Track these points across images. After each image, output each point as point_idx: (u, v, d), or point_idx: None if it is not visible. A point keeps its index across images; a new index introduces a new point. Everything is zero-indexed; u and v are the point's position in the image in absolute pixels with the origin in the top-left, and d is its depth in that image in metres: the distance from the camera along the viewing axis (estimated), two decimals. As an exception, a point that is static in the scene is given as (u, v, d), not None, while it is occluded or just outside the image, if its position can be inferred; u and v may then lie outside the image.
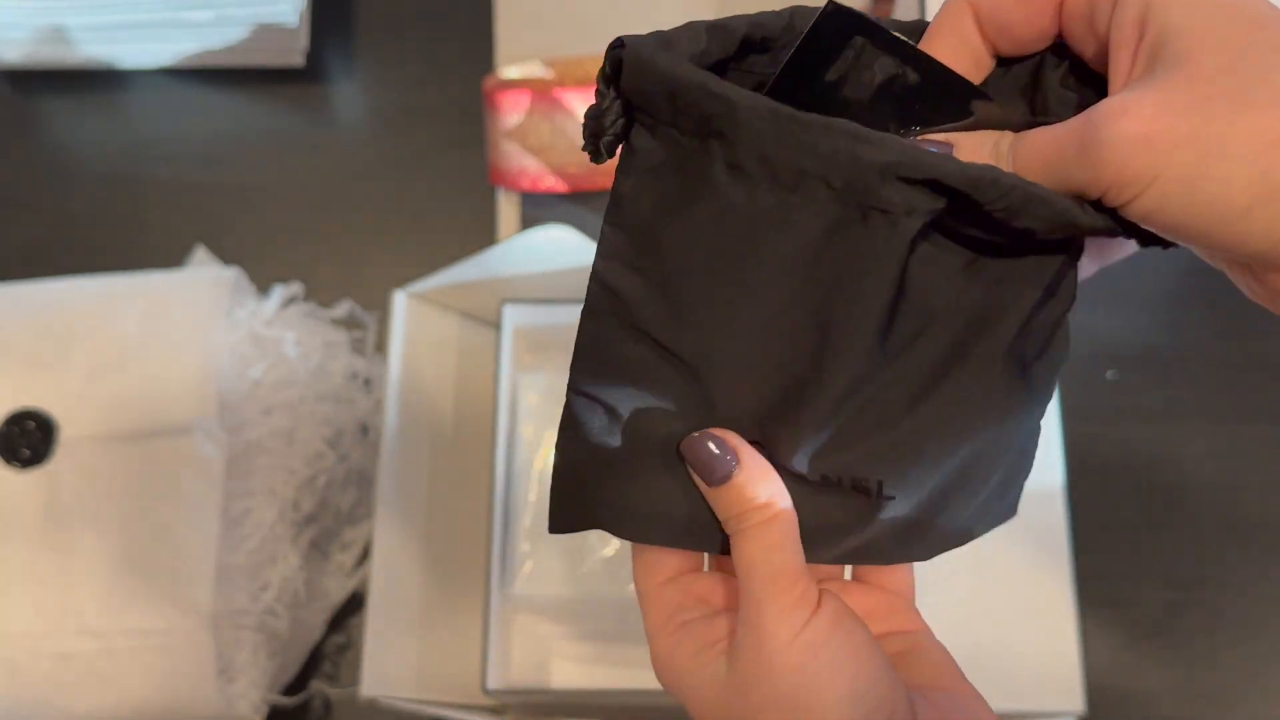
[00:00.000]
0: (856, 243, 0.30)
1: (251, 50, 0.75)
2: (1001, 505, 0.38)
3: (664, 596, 0.36)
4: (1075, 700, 0.61)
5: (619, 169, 0.32)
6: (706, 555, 0.38)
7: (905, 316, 0.32)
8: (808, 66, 0.32)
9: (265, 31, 0.73)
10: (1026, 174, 0.30)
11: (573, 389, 0.34)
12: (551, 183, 0.72)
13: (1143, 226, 0.30)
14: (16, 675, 0.59)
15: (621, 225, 0.32)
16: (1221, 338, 0.72)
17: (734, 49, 0.33)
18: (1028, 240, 0.31)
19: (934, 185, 0.29)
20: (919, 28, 0.34)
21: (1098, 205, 0.30)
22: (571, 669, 0.63)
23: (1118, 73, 0.30)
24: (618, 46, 0.31)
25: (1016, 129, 0.32)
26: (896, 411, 0.34)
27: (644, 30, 0.33)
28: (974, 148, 0.32)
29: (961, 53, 0.33)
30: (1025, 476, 0.38)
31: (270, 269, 0.72)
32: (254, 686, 0.61)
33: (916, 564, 0.38)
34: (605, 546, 0.61)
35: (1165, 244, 0.31)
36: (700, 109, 0.30)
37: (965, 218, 0.30)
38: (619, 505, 0.34)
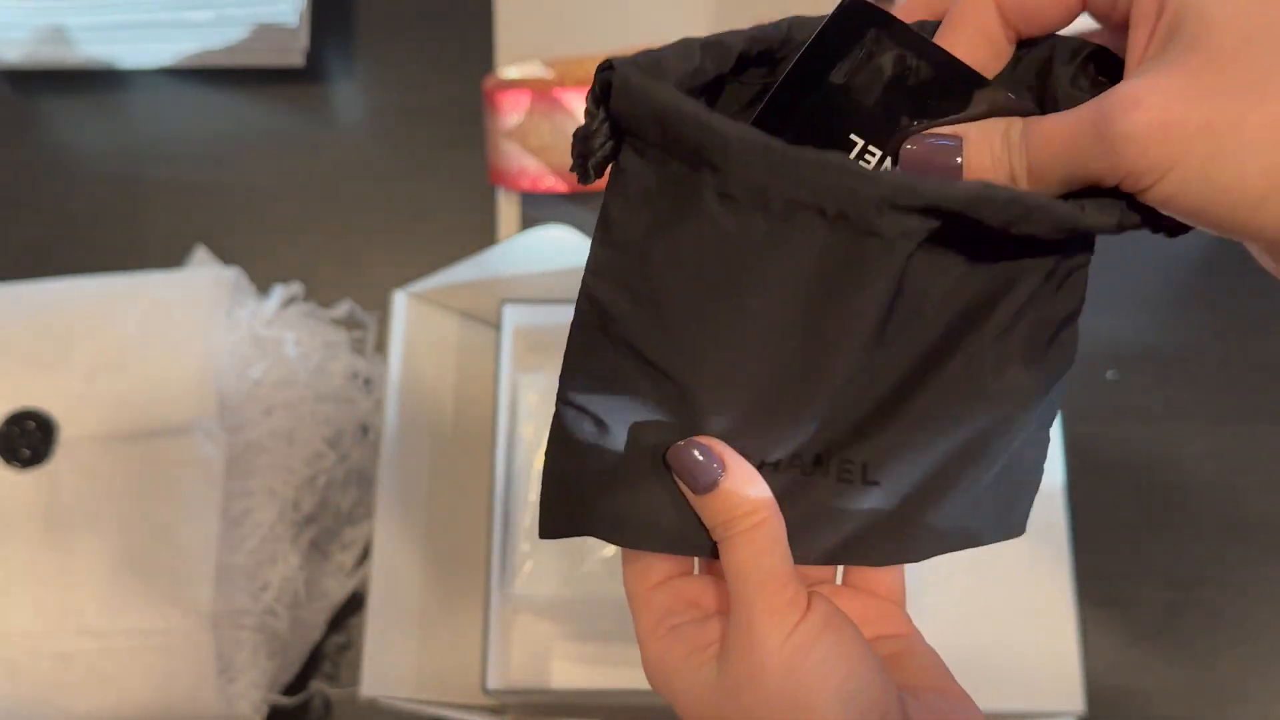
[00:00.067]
0: (851, 264, 0.30)
1: (251, 50, 0.75)
2: (1005, 518, 0.38)
3: (654, 601, 0.36)
4: (1075, 700, 0.61)
5: (608, 187, 0.32)
6: (696, 559, 0.38)
7: (900, 310, 0.32)
8: (813, 69, 0.32)
9: (265, 31, 0.73)
10: (1040, 163, 0.30)
11: (561, 400, 0.34)
12: (551, 183, 0.72)
13: (1162, 211, 0.30)
14: (16, 675, 0.59)
15: (611, 243, 0.32)
16: (1221, 338, 0.72)
17: (730, 65, 0.32)
18: (1030, 239, 0.31)
19: (930, 209, 0.29)
20: (929, 27, 0.34)
21: (1115, 191, 0.30)
22: (571, 669, 0.63)
23: (1134, 50, 0.30)
24: (606, 69, 0.30)
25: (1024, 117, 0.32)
26: (884, 398, 0.34)
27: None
28: (983, 138, 0.32)
29: (979, 43, 0.33)
30: (1032, 492, 0.38)
31: (270, 269, 0.72)
32: (254, 686, 0.61)
33: (917, 564, 0.38)
34: (605, 547, 0.61)
35: (1178, 230, 0.31)
36: (691, 140, 0.29)
37: (964, 227, 0.30)
38: (609, 513, 0.35)
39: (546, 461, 0.35)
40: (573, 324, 0.33)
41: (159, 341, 0.63)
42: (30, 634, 0.59)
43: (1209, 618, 0.67)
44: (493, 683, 0.59)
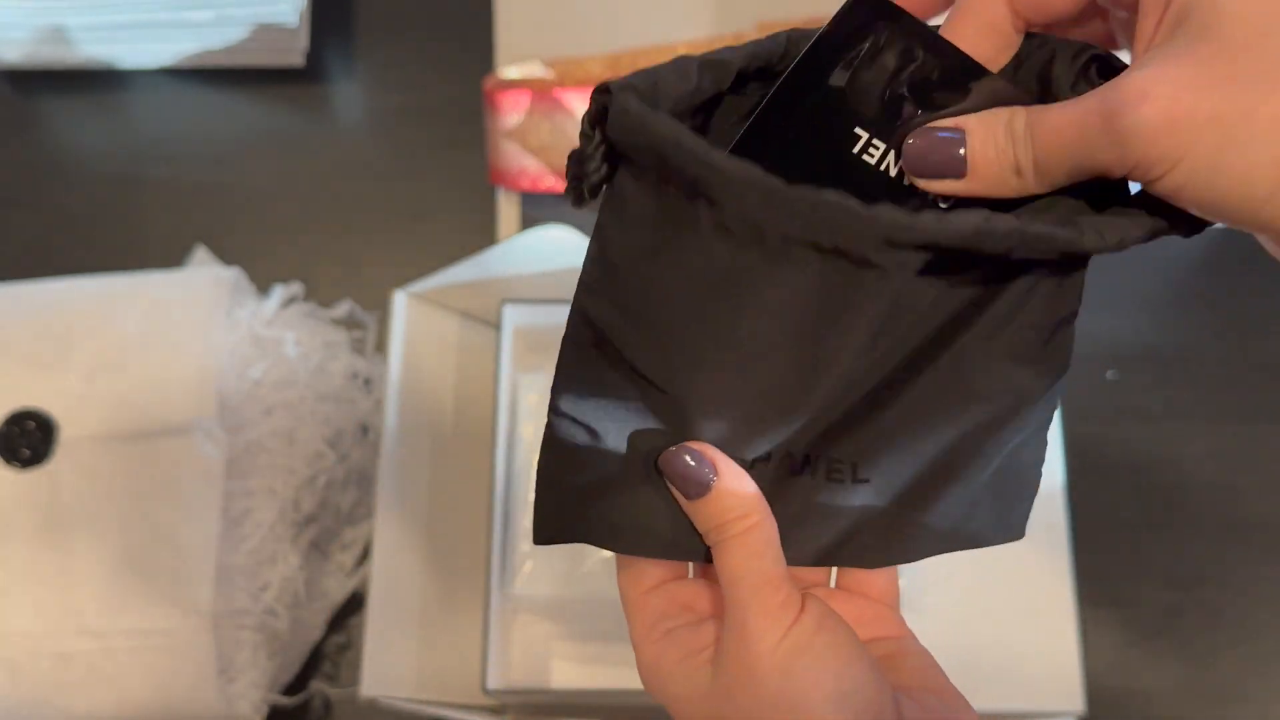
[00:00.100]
0: (847, 290, 0.30)
1: (251, 50, 0.75)
2: (1004, 520, 0.38)
3: (649, 604, 0.36)
4: (1075, 700, 0.61)
5: (603, 205, 0.32)
6: (691, 563, 0.38)
7: (890, 317, 0.32)
8: (819, 63, 0.32)
9: (265, 31, 0.73)
10: (1046, 155, 0.30)
11: (553, 410, 0.34)
12: (551, 183, 0.72)
13: (1171, 203, 0.30)
14: (16, 675, 0.59)
15: (604, 261, 0.32)
16: (1221, 338, 0.72)
17: (728, 83, 0.32)
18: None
19: (928, 245, 0.29)
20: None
21: (1123, 189, 0.30)
22: (571, 669, 0.63)
23: (1142, 36, 0.30)
24: (604, 92, 0.30)
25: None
26: (875, 396, 0.34)
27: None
28: (986, 130, 0.31)
29: (986, 35, 0.32)
30: (1032, 495, 0.38)
31: (270, 269, 0.72)
32: (254, 686, 0.61)
33: (917, 565, 0.38)
34: (605, 546, 0.61)
35: (1194, 228, 0.31)
36: (689, 174, 0.29)
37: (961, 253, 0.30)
38: (602, 520, 0.34)
39: (539, 470, 0.35)
40: (564, 338, 0.33)
41: (159, 341, 0.63)
42: (30, 634, 0.59)
43: (1209, 618, 0.67)
44: (493, 683, 0.59)
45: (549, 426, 0.34)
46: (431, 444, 0.66)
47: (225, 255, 0.73)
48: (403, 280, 0.67)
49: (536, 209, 0.73)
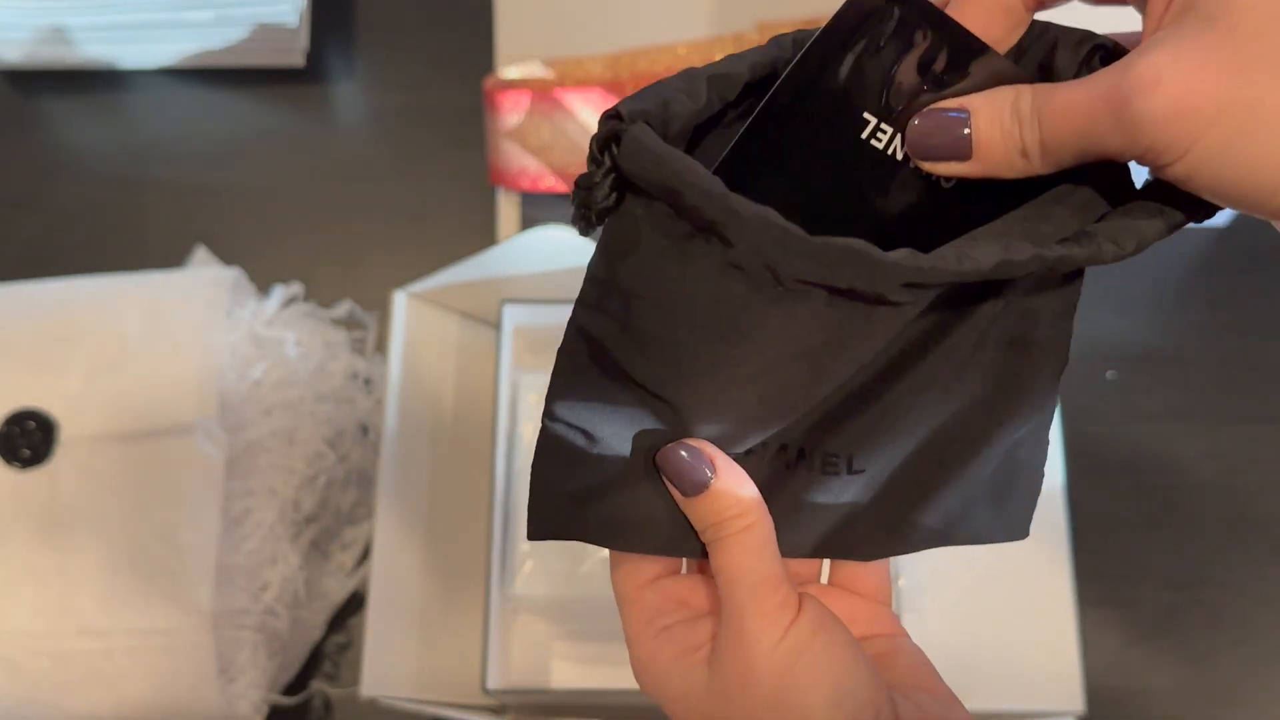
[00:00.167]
0: (857, 322, 0.30)
1: (251, 50, 0.75)
2: (1006, 519, 0.38)
3: (644, 601, 0.36)
4: (1075, 700, 0.61)
5: (607, 227, 0.31)
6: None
7: (899, 331, 0.32)
8: (829, 47, 0.32)
9: (265, 31, 0.73)
10: (1054, 138, 0.30)
11: (549, 417, 0.34)
12: (551, 183, 0.72)
13: (1181, 189, 0.30)
14: (16, 675, 0.59)
15: (607, 279, 0.31)
16: (1221, 338, 0.72)
17: (735, 95, 0.32)
18: None
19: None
20: None
21: (1125, 170, 0.30)
22: (571, 669, 0.63)
23: (1152, 17, 0.30)
24: (614, 117, 0.29)
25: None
26: (870, 388, 0.34)
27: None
28: (992, 110, 0.31)
29: (995, 14, 0.32)
30: (1034, 494, 0.38)
31: (270, 269, 0.72)
32: (254, 686, 0.61)
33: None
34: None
35: (1211, 210, 0.31)
36: (705, 215, 0.29)
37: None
38: (598, 518, 0.34)
39: (534, 473, 0.34)
40: (560, 350, 0.33)
41: (159, 341, 0.63)
42: (30, 634, 0.59)
43: (1209, 618, 0.67)
44: (493, 683, 0.59)
45: (543, 432, 0.34)
46: (431, 444, 0.66)
47: (225, 255, 0.73)
48: (403, 280, 0.67)
49: (536, 209, 0.73)
